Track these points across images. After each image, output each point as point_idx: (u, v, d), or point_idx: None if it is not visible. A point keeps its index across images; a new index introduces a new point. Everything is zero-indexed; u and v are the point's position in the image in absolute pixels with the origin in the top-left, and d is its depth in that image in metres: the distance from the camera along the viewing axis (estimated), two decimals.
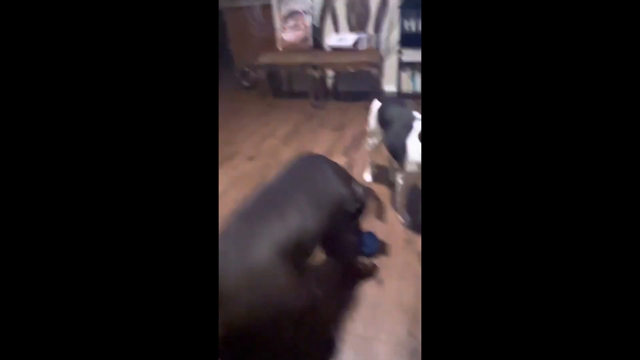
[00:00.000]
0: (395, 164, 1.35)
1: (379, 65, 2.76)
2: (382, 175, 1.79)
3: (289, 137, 2.45)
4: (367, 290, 1.11)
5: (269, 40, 3.48)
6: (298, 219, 0.78)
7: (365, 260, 1.18)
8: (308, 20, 3.09)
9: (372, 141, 1.60)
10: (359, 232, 1.19)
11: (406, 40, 2.86)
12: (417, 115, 1.27)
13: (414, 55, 2.89)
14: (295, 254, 0.75)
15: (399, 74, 3.02)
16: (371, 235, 1.29)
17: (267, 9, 3.41)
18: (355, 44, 2.90)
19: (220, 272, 0.68)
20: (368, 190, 1.06)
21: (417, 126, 1.20)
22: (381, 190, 1.67)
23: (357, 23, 3.07)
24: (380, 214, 1.11)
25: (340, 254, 1.05)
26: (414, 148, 1.18)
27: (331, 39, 3.02)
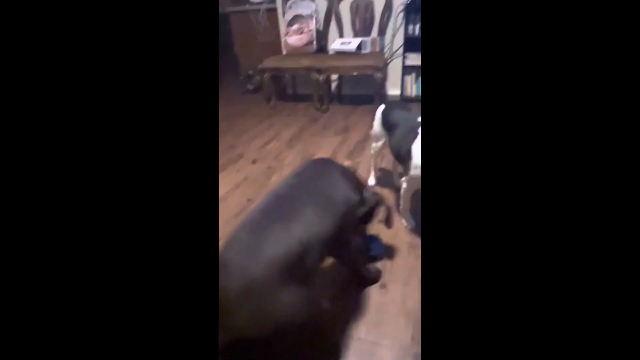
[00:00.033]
0: (400, 168, 1.35)
1: (382, 69, 2.77)
2: (386, 179, 1.79)
3: (293, 140, 2.45)
4: (371, 295, 1.11)
5: (274, 44, 3.50)
6: (304, 230, 0.77)
7: (370, 265, 1.17)
8: (312, 25, 3.10)
9: (376, 145, 1.60)
10: (364, 237, 1.19)
11: (410, 44, 2.87)
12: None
13: (418, 59, 2.89)
14: (300, 265, 0.74)
15: (402, 78, 3.02)
16: (376, 239, 1.28)
17: (271, 13, 3.44)
18: (359, 48, 2.92)
19: (223, 283, 0.68)
20: (377, 196, 1.05)
21: None
22: (385, 195, 1.67)
23: (361, 27, 3.08)
24: (388, 220, 1.11)
25: (346, 259, 1.05)
26: (418, 152, 1.18)
27: (335, 43, 3.04)
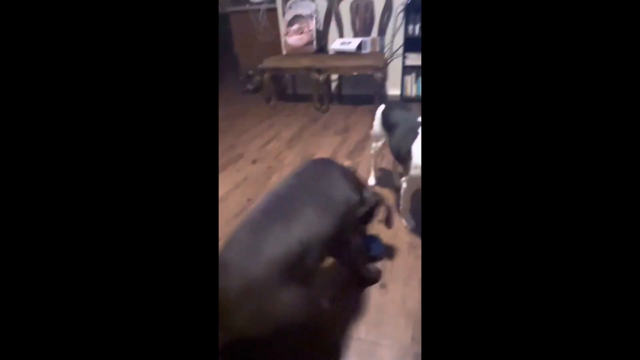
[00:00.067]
0: (400, 168, 1.35)
1: (382, 69, 2.77)
2: (386, 179, 1.79)
3: (293, 140, 2.45)
4: (371, 295, 1.11)
5: (274, 44, 3.50)
6: (304, 230, 0.77)
7: (370, 265, 1.18)
8: (312, 24, 3.11)
9: (376, 145, 1.60)
10: (365, 236, 1.19)
11: (410, 44, 2.87)
12: None
13: (418, 59, 2.89)
14: (300, 265, 0.74)
15: (402, 78, 3.02)
16: (376, 239, 1.29)
17: (271, 13, 3.44)
18: (359, 48, 2.92)
19: (223, 283, 0.68)
20: (377, 196, 1.05)
21: None
22: (385, 195, 1.67)
23: (361, 27, 3.08)
24: (388, 220, 1.11)
25: (346, 259, 1.05)
26: (418, 152, 1.18)
27: (335, 43, 3.04)
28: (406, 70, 2.98)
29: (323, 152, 2.20)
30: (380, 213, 1.08)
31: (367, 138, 2.34)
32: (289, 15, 3.17)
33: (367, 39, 2.98)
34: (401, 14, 2.92)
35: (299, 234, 0.75)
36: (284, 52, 3.30)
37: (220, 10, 3.77)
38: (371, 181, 1.77)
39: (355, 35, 3.12)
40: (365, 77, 2.91)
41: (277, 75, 3.31)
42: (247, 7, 3.52)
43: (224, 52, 4.22)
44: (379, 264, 1.22)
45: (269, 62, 3.08)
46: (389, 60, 3.14)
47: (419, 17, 2.77)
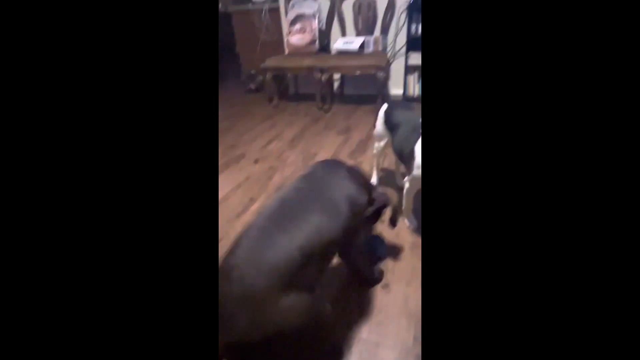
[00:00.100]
0: (402, 168, 1.35)
1: (385, 68, 2.76)
2: (388, 179, 1.79)
3: (295, 140, 2.45)
4: (373, 295, 1.11)
5: (276, 44, 3.50)
6: (307, 237, 0.77)
7: (373, 265, 1.17)
8: (315, 24, 3.10)
9: (378, 145, 1.60)
10: (371, 237, 1.19)
11: (412, 43, 2.86)
12: None
13: (421, 59, 2.88)
14: (302, 272, 0.74)
15: (405, 78, 3.01)
16: (379, 239, 1.28)
17: (274, 12, 3.43)
18: (362, 47, 2.91)
19: (224, 288, 0.69)
20: (385, 195, 1.05)
21: None
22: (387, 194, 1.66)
23: (364, 26, 3.07)
24: (393, 220, 1.11)
25: (350, 260, 1.05)
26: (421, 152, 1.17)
27: (338, 43, 3.03)
28: (409, 69, 2.97)
29: (325, 152, 2.20)
30: (386, 213, 1.08)
31: (369, 138, 2.34)
32: (292, 15, 3.17)
33: (370, 38, 2.98)
34: (404, 13, 2.91)
35: (301, 242, 0.75)
36: (286, 52, 3.30)
37: (222, 9, 3.78)
38: (373, 181, 1.77)
39: (358, 34, 3.11)
40: (368, 77, 2.91)
41: (279, 75, 3.31)
42: (250, 6, 3.52)
43: (226, 52, 4.22)
44: (381, 265, 1.22)
45: (271, 62, 3.08)
46: (392, 60, 3.14)
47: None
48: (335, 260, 1.07)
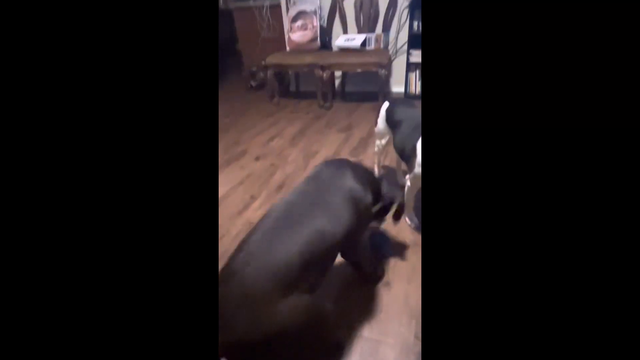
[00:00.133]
0: (404, 166, 1.34)
1: (386, 66, 2.75)
2: (389, 177, 1.79)
3: (296, 137, 2.45)
4: (375, 293, 1.11)
5: (277, 41, 3.49)
6: (309, 241, 0.77)
7: (376, 263, 1.18)
8: (316, 21, 3.09)
9: (380, 142, 1.59)
10: (376, 234, 1.19)
11: (414, 40, 2.85)
12: None
13: None
14: (303, 276, 0.75)
15: (407, 75, 3.00)
16: (384, 236, 1.29)
17: (275, 9, 3.42)
18: (364, 44, 2.90)
19: (224, 289, 0.70)
20: (393, 192, 1.05)
21: None
22: None
23: (366, 24, 3.06)
24: (398, 215, 1.11)
25: (354, 258, 1.05)
26: None
27: (339, 40, 3.02)
28: (410, 67, 2.96)
29: (326, 150, 2.20)
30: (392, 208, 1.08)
31: (370, 135, 2.34)
32: (293, 12, 3.16)
33: (372, 36, 2.97)
34: (406, 10, 2.90)
35: (302, 246, 0.76)
36: (288, 49, 3.29)
37: (223, 6, 3.77)
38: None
39: (360, 31, 3.10)
40: (369, 74, 2.90)
41: (280, 72, 3.30)
42: (251, 3, 3.51)
43: (227, 49, 4.22)
44: (382, 263, 1.22)
45: (273, 59, 3.07)
46: (393, 57, 3.13)
47: None
48: (338, 258, 1.07)
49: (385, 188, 1.05)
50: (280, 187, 1.79)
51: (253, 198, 1.70)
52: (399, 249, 1.29)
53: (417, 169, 1.21)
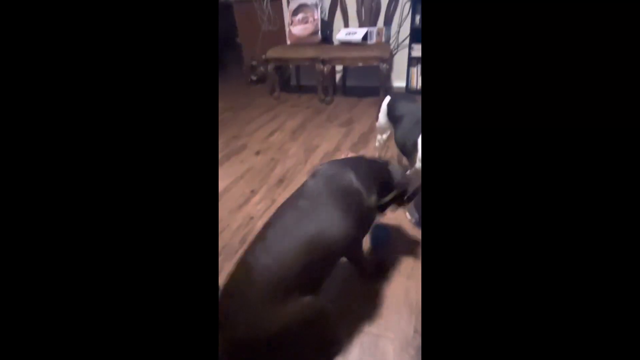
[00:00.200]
0: (405, 161, 1.34)
1: (388, 60, 2.73)
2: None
3: (296, 132, 2.44)
4: (375, 288, 1.11)
5: (278, 34, 3.46)
6: (307, 248, 0.78)
7: (376, 260, 1.18)
8: (317, 14, 3.06)
9: (381, 137, 1.59)
10: (374, 227, 1.19)
11: (416, 35, 2.82)
12: None
13: None
14: (301, 280, 0.77)
15: (408, 70, 2.98)
16: (383, 230, 1.29)
17: (276, 2, 3.39)
18: (365, 38, 2.88)
19: (224, 300, 0.74)
20: (404, 180, 1.06)
21: None
22: None
23: (367, 17, 3.03)
24: (410, 200, 1.12)
25: (355, 255, 1.05)
26: None
27: (340, 33, 3.00)
28: (412, 61, 2.94)
29: (327, 144, 2.19)
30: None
31: (371, 130, 2.33)
32: (294, 5, 3.13)
33: (373, 30, 2.94)
34: (408, 4, 2.87)
35: (303, 251, 0.77)
36: (288, 42, 3.26)
37: None
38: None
39: (361, 25, 3.07)
40: (371, 69, 2.88)
41: (281, 66, 3.28)
42: None
43: (227, 43, 4.18)
44: (382, 258, 1.22)
45: (273, 53, 3.05)
46: (395, 51, 3.10)
47: None
48: None
49: (397, 175, 1.04)
50: (280, 181, 1.79)
51: (253, 192, 1.70)
52: (399, 244, 1.29)
53: (419, 164, 1.20)
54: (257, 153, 2.14)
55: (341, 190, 0.88)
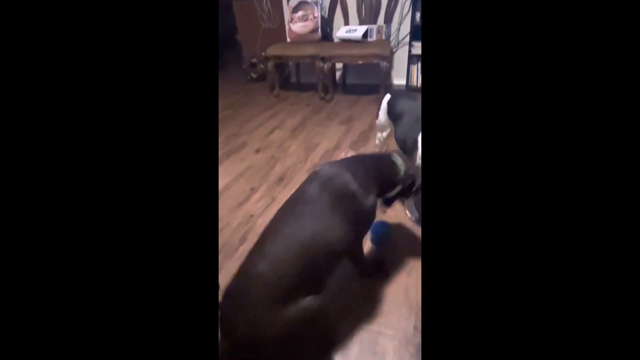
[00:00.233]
0: (405, 158, 1.34)
1: (388, 58, 2.73)
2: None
3: (296, 130, 2.43)
4: (375, 285, 1.11)
5: (278, 32, 3.45)
6: (305, 252, 0.78)
7: (374, 257, 1.18)
8: (317, 11, 3.05)
9: (381, 135, 1.59)
10: (374, 224, 1.19)
11: (416, 32, 2.82)
12: None
13: None
14: (301, 284, 0.77)
15: (408, 67, 2.98)
16: (384, 226, 1.29)
17: None
18: (365, 36, 2.87)
19: (225, 305, 0.75)
20: (412, 174, 1.06)
21: None
22: None
23: (367, 15, 3.02)
24: (416, 192, 1.13)
25: (355, 253, 1.05)
26: None
27: (340, 31, 2.99)
28: (412, 59, 2.93)
29: (327, 142, 2.19)
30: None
31: (371, 128, 2.32)
32: (294, 2, 3.11)
33: (373, 27, 2.93)
34: (408, 2, 2.86)
35: (298, 260, 0.77)
36: (288, 40, 3.26)
37: None
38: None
39: (361, 22, 3.06)
40: (371, 66, 2.87)
41: (281, 64, 3.27)
42: None
43: (227, 40, 4.17)
44: (383, 256, 1.22)
45: (273, 50, 3.04)
46: (395, 49, 3.10)
47: None
48: None
49: (402, 168, 1.05)
50: (280, 179, 1.79)
51: (253, 190, 1.70)
52: (399, 242, 1.29)
53: (419, 161, 1.20)
54: (257, 151, 2.14)
55: (338, 194, 0.87)
